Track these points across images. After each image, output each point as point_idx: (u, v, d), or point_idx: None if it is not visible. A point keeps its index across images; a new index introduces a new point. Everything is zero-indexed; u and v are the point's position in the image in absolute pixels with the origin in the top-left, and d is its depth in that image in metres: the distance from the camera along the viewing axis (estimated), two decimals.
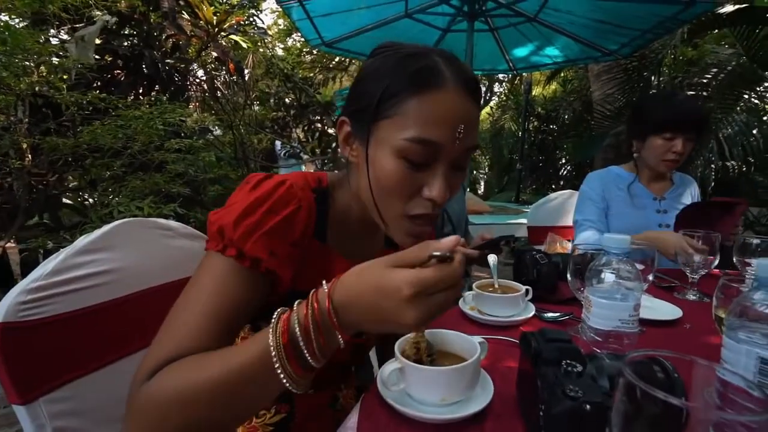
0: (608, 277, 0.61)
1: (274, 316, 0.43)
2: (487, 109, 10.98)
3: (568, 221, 2.04)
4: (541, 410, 0.46)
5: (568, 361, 0.48)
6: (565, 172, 7.04)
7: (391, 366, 0.57)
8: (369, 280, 0.41)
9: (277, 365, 0.40)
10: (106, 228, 0.68)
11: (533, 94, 8.43)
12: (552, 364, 0.49)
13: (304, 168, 5.34)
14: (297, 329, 0.41)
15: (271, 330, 0.41)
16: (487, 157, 10.28)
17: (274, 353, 0.40)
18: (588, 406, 0.42)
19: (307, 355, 0.41)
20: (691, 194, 1.54)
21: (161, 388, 0.43)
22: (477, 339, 0.60)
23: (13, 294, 0.55)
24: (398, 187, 0.54)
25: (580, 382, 0.46)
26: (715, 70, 3.80)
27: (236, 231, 0.50)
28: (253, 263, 0.51)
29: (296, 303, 0.44)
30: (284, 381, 0.41)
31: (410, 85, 0.51)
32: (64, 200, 2.06)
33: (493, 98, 10.83)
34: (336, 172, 0.67)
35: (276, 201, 0.54)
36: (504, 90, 10.44)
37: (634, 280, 0.61)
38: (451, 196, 0.56)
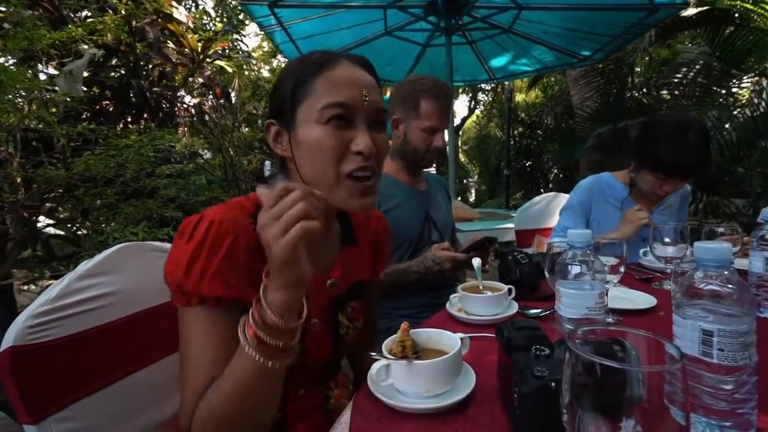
0: (574, 269, 0.66)
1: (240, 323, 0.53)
2: (473, 117, 11.18)
3: (554, 222, 2.09)
4: (515, 392, 0.50)
5: (537, 347, 0.53)
6: (552, 176, 7.18)
7: (379, 363, 0.61)
8: None
9: (250, 350, 0.50)
10: (106, 253, 0.72)
11: (516, 101, 8.64)
12: (523, 350, 0.53)
13: None
14: (252, 317, 0.51)
15: (239, 331, 0.52)
16: (476, 164, 10.42)
17: (245, 340, 0.51)
18: (553, 384, 0.47)
19: (266, 315, 0.50)
20: (682, 198, 1.56)
21: (199, 416, 0.55)
22: (459, 335, 0.65)
23: (22, 319, 0.59)
24: (328, 148, 0.61)
25: (547, 364, 0.51)
26: (684, 69, 3.96)
27: (189, 281, 0.56)
28: (216, 302, 0.58)
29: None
30: (258, 358, 0.50)
31: (314, 70, 0.63)
32: (57, 231, 2.08)
33: (478, 107, 11.03)
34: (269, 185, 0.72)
35: (213, 240, 0.58)
36: (488, 98, 10.65)
37: (598, 271, 0.66)
38: (379, 153, 0.64)
